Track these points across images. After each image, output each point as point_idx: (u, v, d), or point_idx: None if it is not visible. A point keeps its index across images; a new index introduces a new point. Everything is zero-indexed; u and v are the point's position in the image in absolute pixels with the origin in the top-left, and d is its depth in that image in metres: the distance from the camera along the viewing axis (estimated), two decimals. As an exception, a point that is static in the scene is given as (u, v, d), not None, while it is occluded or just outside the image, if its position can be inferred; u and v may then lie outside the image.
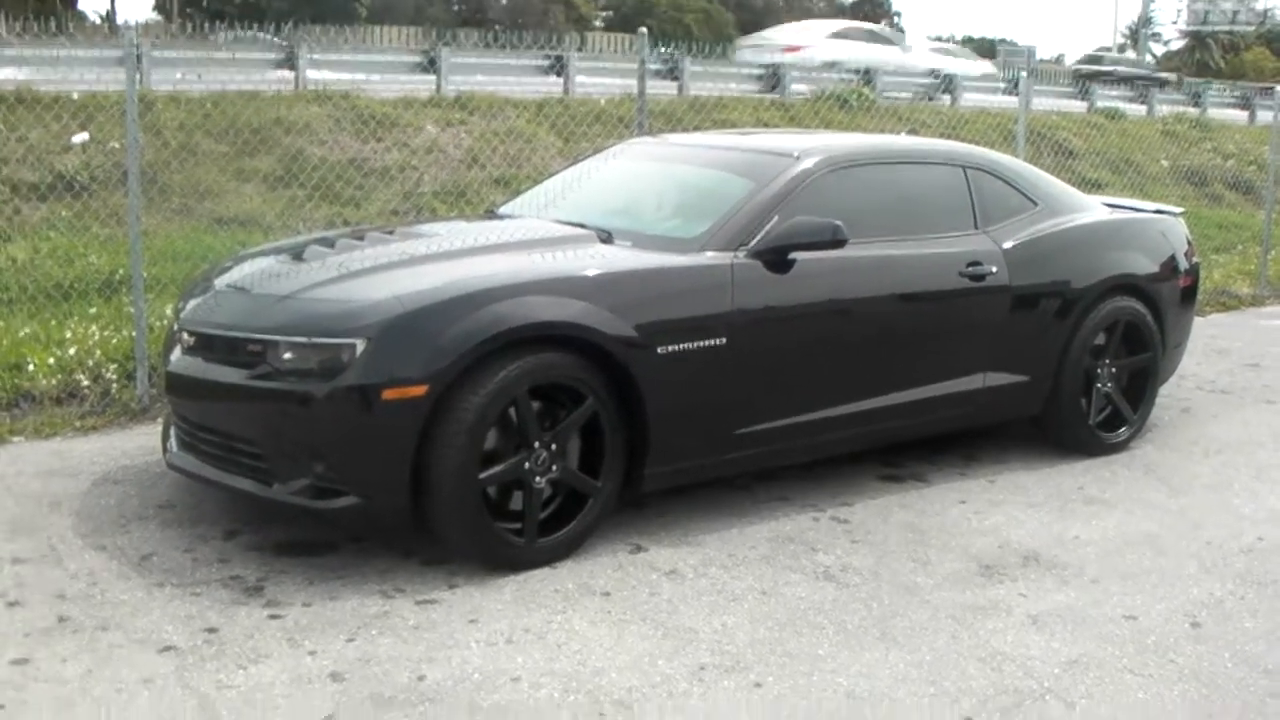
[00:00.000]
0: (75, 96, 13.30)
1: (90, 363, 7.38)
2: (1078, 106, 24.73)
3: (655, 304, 5.16)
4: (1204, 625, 4.61)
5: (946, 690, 4.04)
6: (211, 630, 4.29)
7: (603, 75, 19.00)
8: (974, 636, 4.44)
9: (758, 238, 5.50)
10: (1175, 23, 61.21)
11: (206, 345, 5.08)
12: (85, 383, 7.16)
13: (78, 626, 4.29)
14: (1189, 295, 7.41)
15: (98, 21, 38.35)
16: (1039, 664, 4.25)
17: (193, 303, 5.43)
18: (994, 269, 6.22)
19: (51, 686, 3.88)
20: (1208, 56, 70.73)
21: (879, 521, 5.61)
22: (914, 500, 5.94)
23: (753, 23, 75.34)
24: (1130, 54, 63.79)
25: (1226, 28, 60.58)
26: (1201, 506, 5.98)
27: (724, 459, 5.48)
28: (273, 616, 4.42)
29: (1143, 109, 26.62)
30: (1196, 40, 74.33)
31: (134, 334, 7.32)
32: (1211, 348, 9.94)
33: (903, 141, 7.05)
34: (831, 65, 23.37)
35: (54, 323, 8.13)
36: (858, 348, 5.82)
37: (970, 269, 6.17)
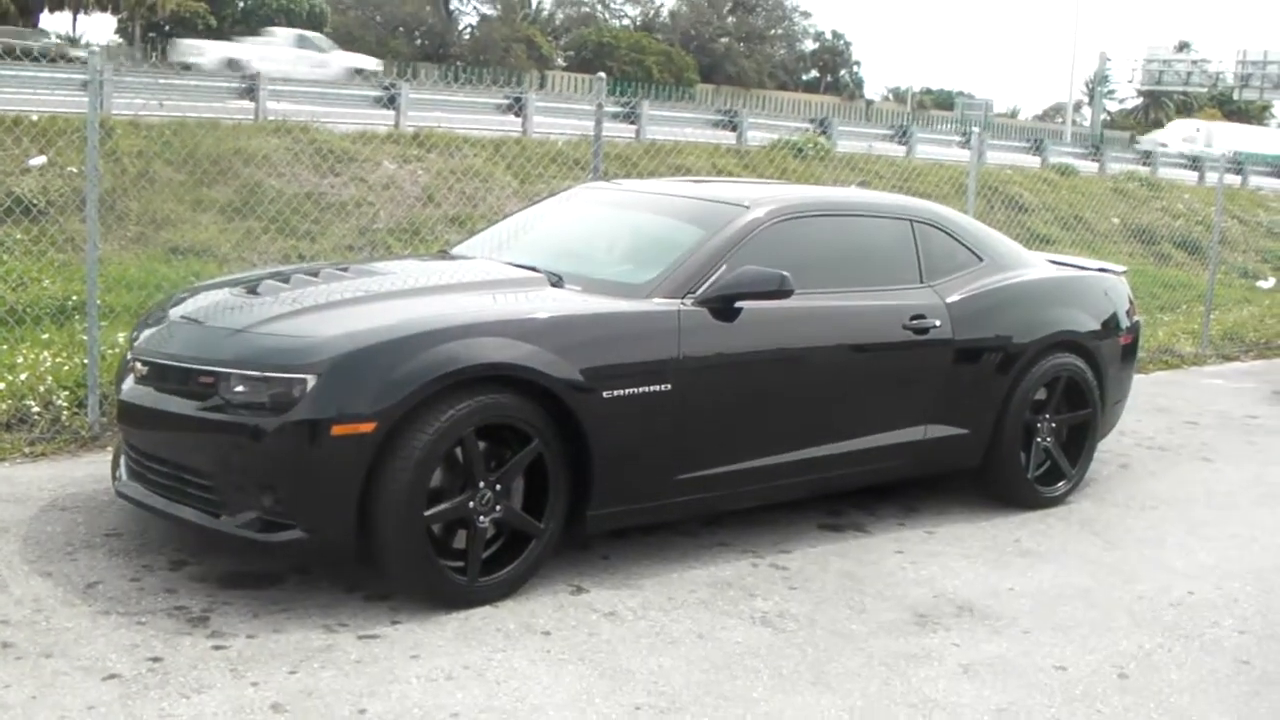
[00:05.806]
0: (35, 119, 13.28)
1: (41, 389, 7.35)
2: (1031, 161, 25.13)
3: (602, 348, 5.21)
4: (1131, 677, 4.70)
5: (877, 736, 4.06)
6: (156, 660, 4.30)
7: (561, 116, 19.17)
8: (906, 683, 4.52)
9: (705, 286, 5.57)
10: (1131, 82, 62.35)
11: (159, 375, 5.10)
12: (36, 409, 7.14)
13: (21, 653, 4.30)
14: (1130, 353, 7.54)
15: (58, 41, 38.18)
16: (969, 711, 4.33)
17: (147, 332, 5.45)
18: (937, 322, 6.31)
19: (-7, 712, 3.88)
20: (1162, 115, 72.19)
21: (817, 569, 5.66)
22: (852, 549, 5.99)
23: (711, 66, 75.91)
24: (1086, 111, 64.98)
25: (1180, 89, 61.77)
26: (1135, 561, 6.09)
27: (666, 503, 5.53)
28: (216, 648, 4.43)
29: (1095, 166, 27.08)
30: (1151, 99, 75.83)
31: (86, 361, 7.31)
32: (1152, 405, 10.10)
33: (852, 194, 7.17)
34: None
35: (5, 347, 8.09)
36: (802, 397, 5.89)
37: (914, 322, 6.25)
